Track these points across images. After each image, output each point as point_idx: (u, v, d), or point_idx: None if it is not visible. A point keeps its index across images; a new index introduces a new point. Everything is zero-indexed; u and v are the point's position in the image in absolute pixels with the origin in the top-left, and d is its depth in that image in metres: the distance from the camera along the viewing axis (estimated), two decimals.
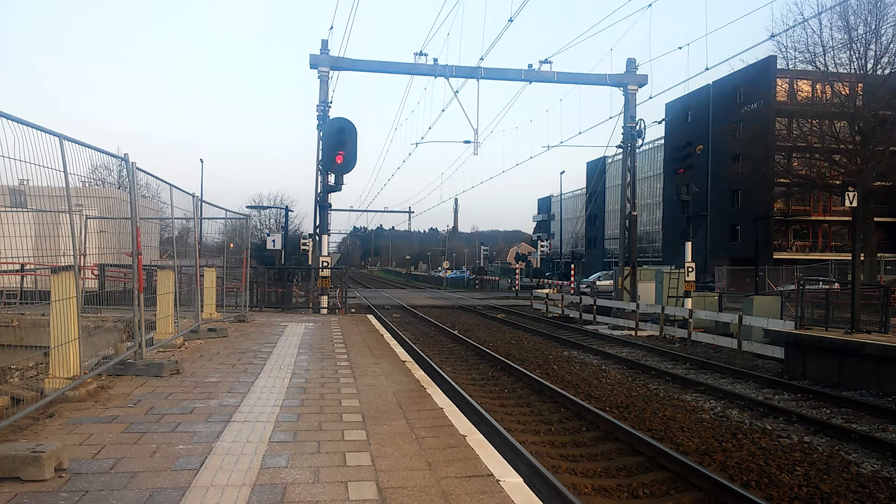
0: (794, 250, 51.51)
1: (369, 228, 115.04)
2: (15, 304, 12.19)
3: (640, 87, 25.21)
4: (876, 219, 38.11)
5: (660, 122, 35.94)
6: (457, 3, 29.63)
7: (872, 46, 34.52)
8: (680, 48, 19.99)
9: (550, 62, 24.16)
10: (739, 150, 43.00)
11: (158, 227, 13.23)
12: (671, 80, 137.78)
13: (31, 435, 5.09)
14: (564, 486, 6.44)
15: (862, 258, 28.71)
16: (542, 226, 73.53)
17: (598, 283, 44.79)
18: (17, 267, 11.39)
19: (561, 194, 61.24)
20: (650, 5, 19.96)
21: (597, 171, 62.76)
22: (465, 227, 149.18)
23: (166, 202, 10.36)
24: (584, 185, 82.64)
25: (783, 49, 36.07)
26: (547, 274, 59.98)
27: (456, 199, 77.02)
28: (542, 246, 55.33)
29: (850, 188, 14.48)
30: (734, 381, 13.29)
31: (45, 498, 3.79)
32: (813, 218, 51.80)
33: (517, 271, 56.17)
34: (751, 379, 13.36)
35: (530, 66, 24.16)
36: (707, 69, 19.93)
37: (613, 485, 7.04)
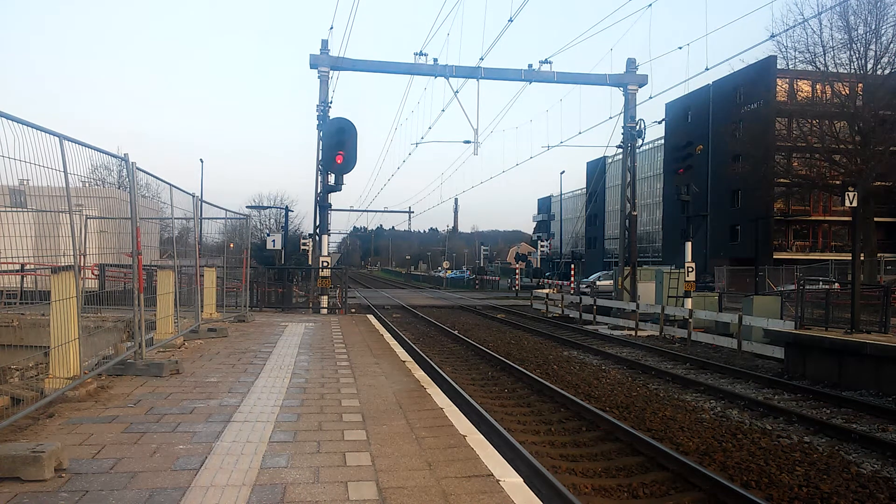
0: (794, 250, 51.52)
1: (369, 228, 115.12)
2: (15, 304, 12.19)
3: (640, 87, 25.21)
4: (876, 219, 38.12)
5: (660, 122, 36.00)
6: (457, 3, 29.63)
7: (872, 46, 34.54)
8: (680, 48, 20.01)
9: (550, 62, 24.17)
10: (739, 150, 43.01)
11: (158, 227, 13.23)
12: (671, 80, 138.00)
13: (31, 435, 5.09)
14: (564, 486, 6.44)
15: (862, 258, 28.71)
16: (542, 226, 73.54)
17: (598, 283, 44.79)
18: (17, 267, 11.39)
19: (561, 194, 61.24)
20: (650, 5, 19.98)
21: (597, 171, 62.77)
22: (465, 227, 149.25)
23: (166, 202, 10.37)
24: (584, 185, 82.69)
25: (783, 49, 36.11)
26: (547, 274, 59.98)
27: (456, 199, 77.12)
28: (542, 246, 55.34)
29: (850, 188, 14.48)
30: (734, 381, 13.29)
31: (45, 498, 3.79)
32: (813, 218, 51.81)
33: (517, 271, 56.18)
34: (751, 379, 13.36)
35: (530, 66, 24.16)
36: (707, 69, 19.95)
37: (613, 485, 7.04)
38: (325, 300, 21.05)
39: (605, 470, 7.51)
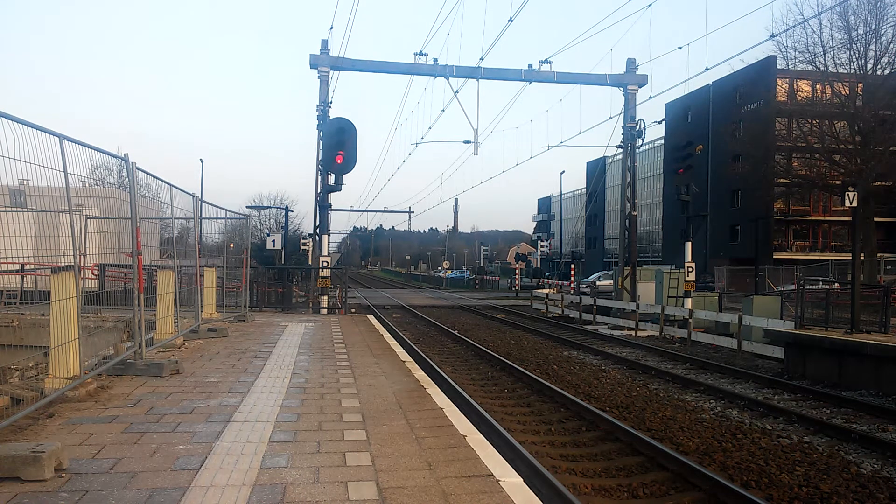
0: (794, 250, 51.52)
1: (369, 228, 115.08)
2: (15, 304, 12.19)
3: (640, 87, 25.21)
4: (876, 219, 38.11)
5: (660, 122, 36.01)
6: (457, 3, 29.63)
7: (872, 46, 34.54)
8: (680, 48, 20.01)
9: (550, 62, 24.17)
10: (739, 150, 43.00)
11: (158, 227, 13.23)
12: (671, 80, 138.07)
13: (31, 435, 5.09)
14: (564, 485, 6.44)
15: (862, 258, 28.71)
16: (542, 226, 73.57)
17: (598, 283, 44.79)
18: (17, 267, 11.39)
19: (561, 194, 61.24)
20: (650, 5, 19.98)
21: (597, 171, 62.77)
22: (465, 227, 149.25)
23: (166, 202, 10.37)
24: (584, 185, 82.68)
25: (783, 49, 36.10)
26: (547, 274, 59.99)
27: (456, 199, 77.05)
28: (542, 246, 55.35)
29: (850, 188, 14.48)
30: (734, 381, 13.29)
31: (45, 498, 3.79)
32: (813, 218, 51.82)
33: (517, 271, 56.18)
34: (751, 379, 13.36)
35: (530, 66, 24.16)
36: (707, 69, 19.95)
37: (613, 485, 7.04)
38: (325, 300, 21.05)
39: (605, 470, 7.51)
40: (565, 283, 47.33)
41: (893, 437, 8.96)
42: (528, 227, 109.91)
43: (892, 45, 34.53)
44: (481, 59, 24.00)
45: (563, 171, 57.76)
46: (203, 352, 9.87)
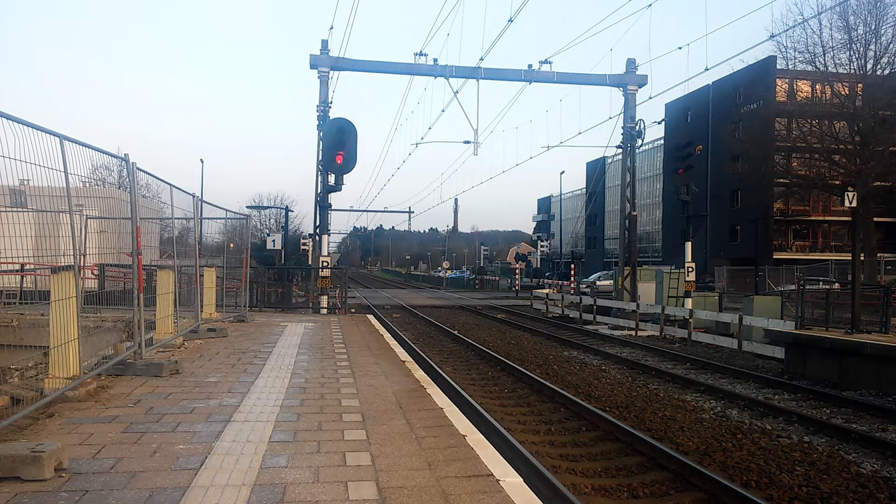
0: (794, 250, 51.52)
1: (369, 228, 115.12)
2: (15, 304, 12.18)
3: (639, 87, 25.21)
4: (876, 219, 38.11)
5: (660, 123, 35.87)
6: (457, 3, 29.64)
7: (872, 46, 34.54)
8: (680, 48, 20.01)
9: (550, 62, 24.18)
10: (739, 150, 43.00)
11: (158, 227, 13.22)
12: (671, 80, 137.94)
13: (31, 435, 5.09)
14: (564, 485, 6.44)
15: (862, 258, 28.70)
16: (542, 226, 73.48)
17: (598, 283, 44.79)
18: (17, 267, 11.39)
19: (561, 194, 61.24)
20: (650, 5, 19.98)
21: (596, 171, 62.79)
22: (465, 227, 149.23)
23: (166, 202, 10.37)
24: (584, 186, 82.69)
25: (783, 49, 36.11)
26: (547, 274, 59.98)
27: (456, 199, 76.82)
28: (542, 246, 55.34)
29: (849, 188, 14.50)
30: (734, 381, 13.29)
31: (45, 498, 3.79)
32: (813, 218, 51.83)
33: (517, 271, 56.20)
34: (751, 379, 13.36)
35: (530, 66, 24.16)
36: (707, 69, 19.96)
37: (613, 485, 7.04)
38: (324, 300, 21.05)
39: (605, 470, 7.51)
40: (565, 283, 47.33)
41: (893, 437, 8.96)
42: (528, 227, 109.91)
43: (891, 45, 34.58)
44: (481, 59, 24.02)
45: (563, 171, 57.84)
46: (203, 352, 9.87)
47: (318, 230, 22.91)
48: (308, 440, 5.13)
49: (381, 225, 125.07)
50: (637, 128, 25.00)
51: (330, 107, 22.91)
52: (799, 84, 41.35)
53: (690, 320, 19.73)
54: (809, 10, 41.37)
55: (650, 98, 32.18)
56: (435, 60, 23.85)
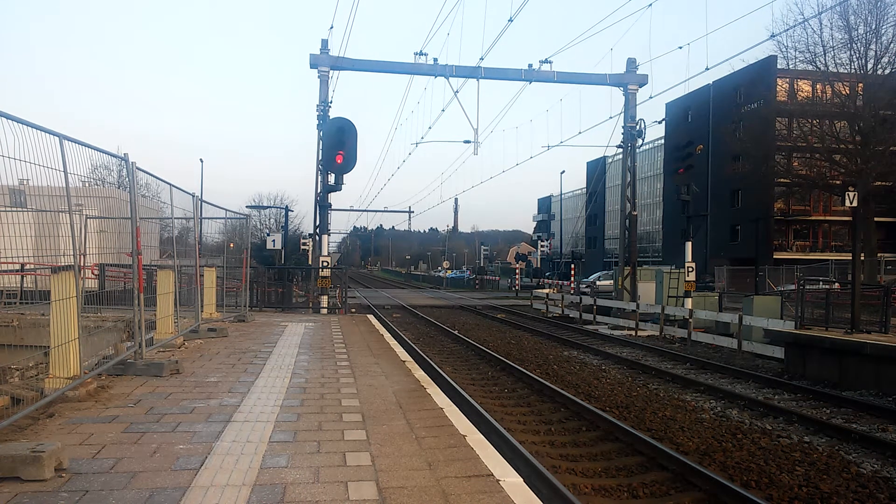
0: (795, 250, 51.52)
1: (369, 228, 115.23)
2: (15, 303, 12.18)
3: (640, 86, 25.21)
4: (876, 219, 38.11)
5: (660, 122, 35.94)
6: (457, 3, 29.61)
7: (872, 46, 34.54)
8: (680, 48, 20.01)
9: (550, 62, 24.17)
10: (739, 150, 43.00)
11: (158, 226, 13.22)
12: (671, 79, 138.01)
13: (31, 435, 5.09)
14: (564, 485, 6.44)
15: (862, 258, 28.70)
16: (542, 226, 73.50)
17: (598, 283, 44.79)
18: (17, 267, 11.39)
19: (561, 194, 61.22)
20: (650, 5, 19.99)
21: (597, 171, 62.76)
22: (465, 227, 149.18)
23: (166, 202, 10.36)
24: (584, 185, 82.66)
25: (783, 49, 36.11)
26: (547, 274, 59.97)
27: (456, 199, 77.00)
28: (542, 246, 55.36)
29: (850, 188, 14.51)
30: (734, 381, 13.29)
31: (45, 498, 3.79)
32: (813, 218, 51.83)
33: (517, 271, 56.19)
34: (751, 379, 13.36)
35: (530, 66, 24.16)
36: (707, 69, 19.97)
37: (613, 485, 7.04)
38: (325, 300, 21.05)
39: (605, 470, 7.51)
40: (565, 282, 47.33)
41: (893, 437, 8.96)
42: (528, 227, 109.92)
43: (892, 45, 34.57)
44: (481, 58, 24.01)
45: (563, 171, 57.75)
46: (203, 352, 9.87)
47: (318, 230, 22.90)
48: (308, 440, 5.13)
49: (381, 225, 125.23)
50: (637, 127, 24.99)
51: (330, 106, 22.91)
52: (799, 84, 41.34)
53: (690, 320, 19.73)
54: (810, 9, 41.42)
55: (650, 98, 32.20)
56: (435, 60, 23.86)
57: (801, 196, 48.59)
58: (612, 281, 35.33)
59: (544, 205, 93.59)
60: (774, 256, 48.33)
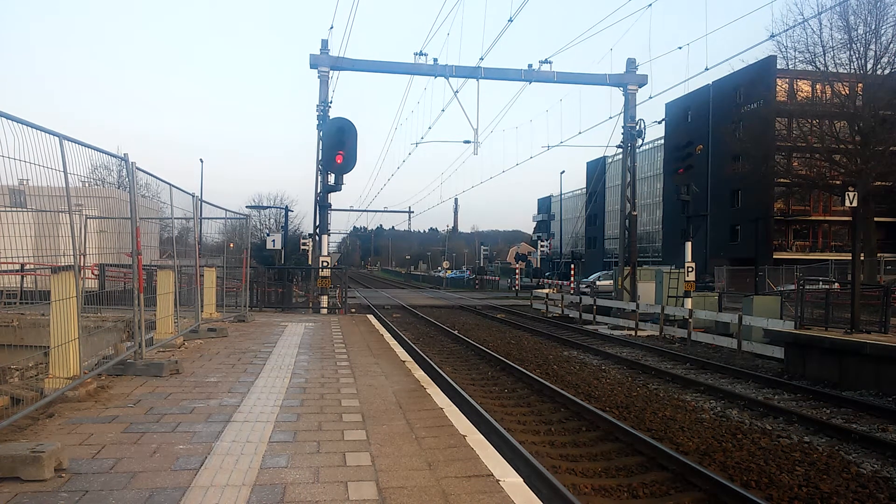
0: (794, 250, 51.52)
1: (369, 228, 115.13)
2: (15, 304, 12.18)
3: (640, 87, 25.21)
4: (876, 219, 38.12)
5: (660, 122, 35.92)
6: (457, 3, 29.63)
7: (872, 46, 34.57)
8: (680, 48, 20.02)
9: (550, 62, 24.17)
10: (739, 150, 43.00)
11: (158, 226, 13.22)
12: (671, 79, 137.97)
13: (31, 435, 5.09)
14: (564, 485, 6.44)
15: (862, 258, 28.71)
16: (542, 226, 73.51)
17: (597, 283, 44.80)
18: (17, 267, 11.39)
19: (561, 194, 61.25)
20: (650, 5, 19.99)
21: (597, 171, 62.77)
22: (465, 227, 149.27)
23: (166, 202, 10.36)
24: (584, 185, 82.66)
25: (783, 49, 36.13)
26: (547, 274, 59.99)
27: (456, 199, 76.90)
28: (542, 246, 55.36)
29: (850, 188, 14.51)
30: (734, 381, 13.29)
31: (45, 498, 3.79)
32: (813, 218, 51.82)
33: (517, 271, 56.20)
34: (751, 379, 13.36)
35: (530, 66, 24.16)
36: (707, 69, 19.97)
37: (613, 485, 7.04)
38: (325, 300, 21.05)
39: (605, 470, 7.51)
40: (565, 283, 47.34)
41: (893, 437, 8.96)
42: (528, 227, 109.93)
43: (892, 45, 34.60)
44: (481, 59, 24.01)
45: (563, 171, 57.82)
46: (203, 352, 9.87)
47: (318, 230, 22.91)
48: (308, 440, 5.13)
49: (381, 225, 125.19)
50: (637, 127, 24.99)
51: (330, 106, 22.92)
52: (799, 84, 41.36)
53: (690, 320, 19.73)
54: (809, 9, 41.42)
55: (650, 98, 32.22)
56: (435, 60, 23.85)
57: (800, 196, 48.60)
58: (611, 281, 35.35)
59: (544, 205, 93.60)
60: (774, 256, 48.33)
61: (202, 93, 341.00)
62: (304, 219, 73.64)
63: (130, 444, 4.87)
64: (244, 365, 8.74)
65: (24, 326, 9.67)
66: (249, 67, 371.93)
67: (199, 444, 4.94)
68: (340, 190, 20.65)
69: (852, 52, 34.60)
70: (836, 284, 19.58)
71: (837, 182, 36.55)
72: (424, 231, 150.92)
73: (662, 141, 62.35)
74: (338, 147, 19.25)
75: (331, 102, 23.00)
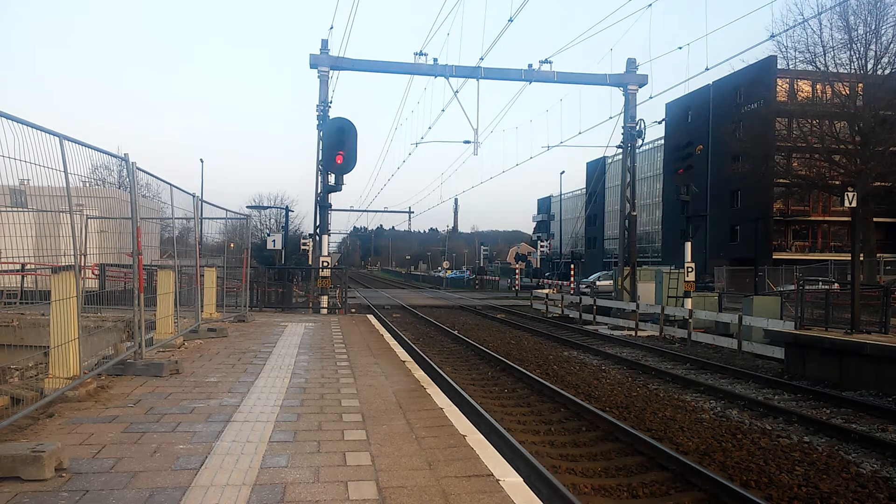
0: (794, 250, 51.52)
1: (369, 228, 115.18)
2: (15, 303, 12.19)
3: (640, 87, 25.21)
4: (875, 219, 38.13)
5: (660, 122, 35.89)
6: (457, 3, 29.63)
7: (872, 46, 34.57)
8: (680, 48, 20.02)
9: (550, 62, 24.18)
10: (739, 150, 42.99)
11: (159, 226, 13.22)
12: (671, 80, 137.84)
13: (31, 435, 5.09)
14: (564, 485, 6.45)
15: (861, 258, 28.70)
16: (542, 226, 73.50)
17: (597, 283, 44.80)
18: (18, 267, 11.39)
19: (561, 194, 61.25)
20: (650, 5, 19.99)
21: (597, 171, 62.77)
22: (465, 227, 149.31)
23: (166, 202, 10.36)
24: (584, 186, 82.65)
25: (783, 49, 36.12)
26: (547, 274, 59.99)
27: (456, 199, 76.85)
28: (541, 246, 55.38)
29: (849, 188, 14.50)
30: (734, 382, 13.29)
31: (45, 497, 3.79)
32: (813, 218, 51.82)
33: (517, 271, 56.21)
34: (751, 379, 13.36)
35: (530, 66, 24.16)
36: (707, 69, 19.97)
37: (613, 484, 7.04)
38: (325, 300, 21.05)
39: (604, 470, 7.52)
40: (565, 283, 47.34)
41: (893, 437, 8.96)
42: (528, 227, 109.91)
43: (892, 45, 34.60)
44: (481, 58, 24.01)
45: (563, 171, 57.82)
46: (203, 352, 9.87)
47: (318, 230, 22.91)
48: (308, 440, 5.13)
49: (381, 225, 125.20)
50: (637, 128, 25.00)
51: (330, 106, 22.92)
52: (799, 84, 41.34)
53: (690, 320, 19.73)
54: (810, 10, 41.41)
55: (650, 98, 32.21)
56: (435, 60, 23.86)
57: (800, 196, 48.58)
58: (611, 281, 35.35)
59: (544, 205, 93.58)
60: (774, 257, 48.33)
61: (202, 93, 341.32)
62: (304, 219, 73.59)
63: (131, 444, 4.88)
64: (244, 365, 8.74)
65: (24, 326, 9.67)
66: (249, 67, 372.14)
67: (199, 443, 4.94)
68: (340, 190, 20.68)
69: (852, 53, 34.63)
70: (836, 285, 19.59)
71: (837, 182, 36.53)
72: (424, 231, 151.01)
73: (662, 141, 62.33)
74: (338, 147, 19.26)
75: (331, 102, 23.01)
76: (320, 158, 22.00)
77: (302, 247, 34.99)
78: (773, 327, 15.88)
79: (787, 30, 33.13)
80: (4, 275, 12.18)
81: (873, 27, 34.13)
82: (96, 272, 14.22)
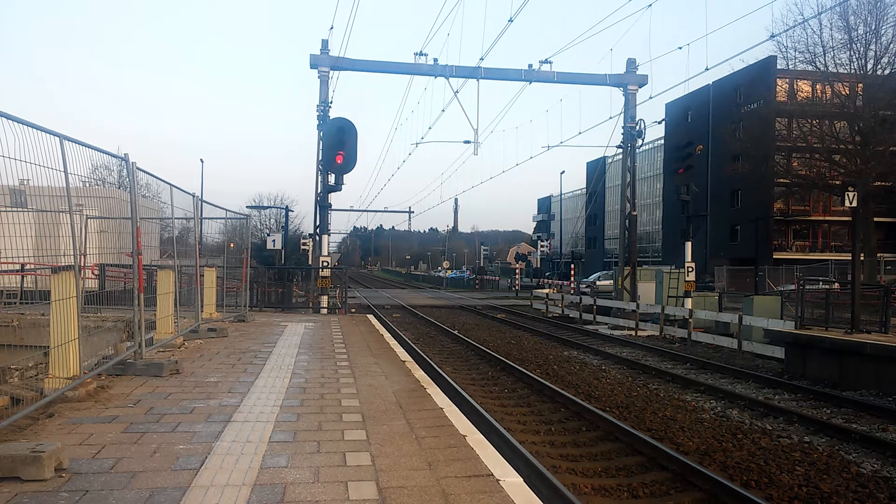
0: (794, 250, 51.52)
1: (369, 228, 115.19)
2: (15, 303, 12.18)
3: (640, 87, 25.21)
4: (876, 219, 38.12)
5: (660, 122, 35.94)
6: (457, 3, 29.61)
7: (872, 46, 34.57)
8: (680, 48, 20.02)
9: (550, 62, 24.17)
10: (739, 150, 43.00)
11: (159, 226, 13.22)
12: (671, 80, 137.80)
13: (30, 435, 5.09)
14: (564, 485, 6.44)
15: (862, 258, 28.71)
16: (542, 226, 73.54)
17: (598, 283, 44.79)
18: (18, 267, 11.39)
19: (561, 194, 61.23)
20: (650, 5, 19.99)
21: (597, 171, 62.77)
22: (465, 227, 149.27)
23: (166, 202, 10.36)
24: (584, 185, 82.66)
25: (783, 49, 36.13)
26: (547, 274, 59.97)
27: (456, 199, 76.82)
28: (542, 246, 55.38)
29: (849, 188, 14.51)
30: (734, 381, 13.29)
31: (45, 498, 3.79)
32: (813, 218, 51.82)
33: (517, 271, 56.20)
34: (751, 379, 13.36)
35: (530, 66, 24.16)
36: (707, 69, 19.97)
37: (613, 484, 7.04)
38: (325, 300, 21.05)
39: (605, 470, 7.51)
40: (565, 283, 47.33)
41: (893, 437, 8.96)
42: (528, 227, 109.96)
43: (892, 45, 34.60)
44: (481, 59, 24.03)
45: (563, 171, 57.76)
46: (203, 352, 9.87)
47: (318, 230, 22.91)
48: (308, 440, 5.13)
49: (381, 225, 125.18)
50: (637, 128, 24.99)
51: (330, 107, 22.91)
52: (799, 84, 41.35)
53: (690, 320, 19.73)
54: (809, 10, 41.40)
55: (650, 98, 32.19)
56: (435, 60, 23.85)
57: (800, 196, 48.60)
58: (611, 281, 35.33)
59: (544, 205, 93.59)
60: (774, 256, 48.33)
61: (202, 93, 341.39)
62: (304, 219, 73.61)
63: (130, 444, 4.87)
64: (244, 365, 8.74)
65: (24, 326, 9.67)
66: (249, 67, 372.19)
67: (199, 443, 4.94)
68: (340, 190, 20.66)
69: (852, 53, 34.64)
70: (836, 284, 19.57)
71: (837, 182, 36.56)
72: (424, 231, 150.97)
73: (662, 141, 62.34)
74: (338, 147, 19.25)
75: (331, 102, 23.00)
76: (320, 158, 22.00)
77: (302, 247, 35.00)
78: (773, 327, 15.87)
79: (787, 30, 33.18)
80: (4, 275, 12.17)
81: (873, 27, 34.15)
82: (96, 272, 14.22)
